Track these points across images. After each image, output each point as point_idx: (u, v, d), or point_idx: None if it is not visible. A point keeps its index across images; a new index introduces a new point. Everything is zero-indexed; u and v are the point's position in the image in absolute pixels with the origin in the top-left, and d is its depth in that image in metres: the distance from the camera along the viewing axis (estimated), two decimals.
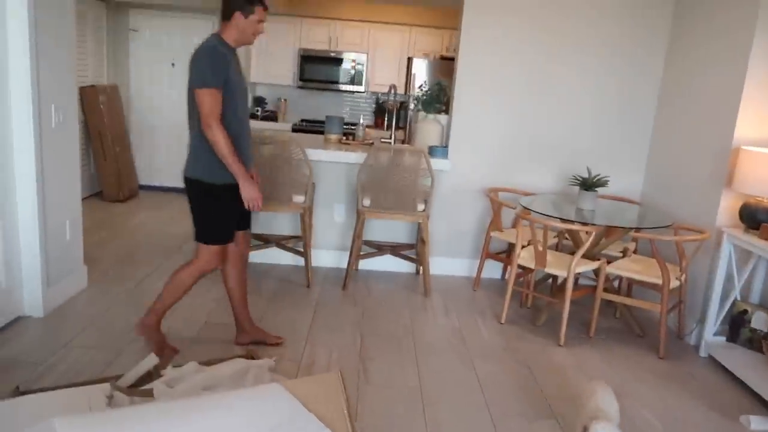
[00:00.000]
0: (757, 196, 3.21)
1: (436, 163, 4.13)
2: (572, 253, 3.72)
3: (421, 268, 4.42)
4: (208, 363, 2.40)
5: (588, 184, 3.73)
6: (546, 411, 2.73)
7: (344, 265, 4.41)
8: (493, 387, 2.91)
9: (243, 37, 2.72)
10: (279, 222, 4.45)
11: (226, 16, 2.68)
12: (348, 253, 4.34)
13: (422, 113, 4.50)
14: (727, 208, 3.47)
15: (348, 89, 6.72)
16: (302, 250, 4.11)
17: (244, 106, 2.80)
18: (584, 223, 3.42)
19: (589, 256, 3.63)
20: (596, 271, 3.63)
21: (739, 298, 3.40)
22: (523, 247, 3.71)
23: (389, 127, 6.30)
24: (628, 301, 3.58)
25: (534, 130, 4.38)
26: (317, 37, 6.59)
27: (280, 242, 4.28)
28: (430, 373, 3.00)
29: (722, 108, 3.53)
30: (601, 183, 3.71)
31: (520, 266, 3.71)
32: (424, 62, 6.39)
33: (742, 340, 3.38)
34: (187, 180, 2.74)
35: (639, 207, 4.17)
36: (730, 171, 3.41)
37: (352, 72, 6.61)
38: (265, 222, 4.43)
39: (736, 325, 3.41)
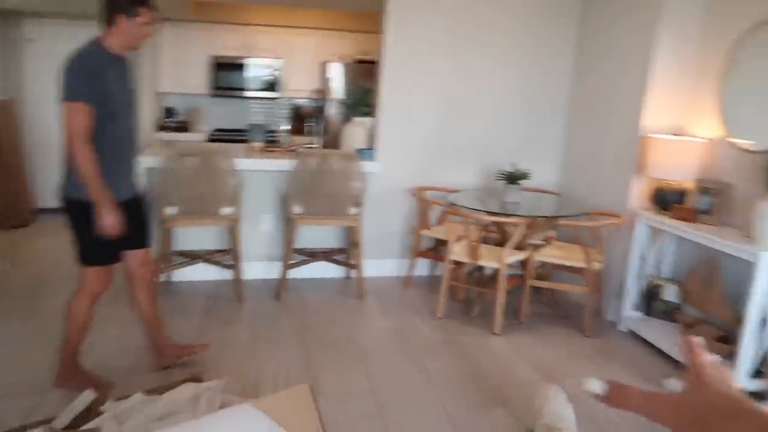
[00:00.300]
0: (666, 179, 3.49)
1: (364, 165, 4.15)
2: (498, 245, 3.89)
3: (353, 271, 4.43)
4: (155, 392, 2.28)
5: (512, 178, 3.89)
6: (495, 399, 2.83)
7: (274, 275, 4.33)
8: (441, 381, 2.98)
9: (128, 42, 2.53)
10: (201, 236, 4.29)
11: (109, 20, 2.47)
12: (277, 262, 4.28)
13: (345, 118, 4.51)
14: (638, 192, 3.75)
15: (263, 96, 6.59)
16: (230, 263, 4.00)
17: (129, 122, 2.61)
18: (514, 216, 3.57)
19: (517, 246, 3.79)
20: (522, 261, 3.80)
21: (652, 274, 3.68)
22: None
23: (308, 132, 6.27)
24: (556, 286, 3.78)
25: (457, 128, 4.51)
26: (229, 43, 6.41)
27: (206, 257, 4.13)
28: (380, 375, 3.02)
29: (630, 100, 3.81)
30: (525, 176, 3.89)
31: (453, 261, 3.81)
32: (339, 66, 6.39)
33: (657, 313, 3.67)
34: (61, 198, 2.54)
35: (557, 197, 4.41)
36: (639, 158, 3.69)
37: (268, 78, 6.49)
38: (187, 238, 4.25)
39: (650, 300, 3.69)
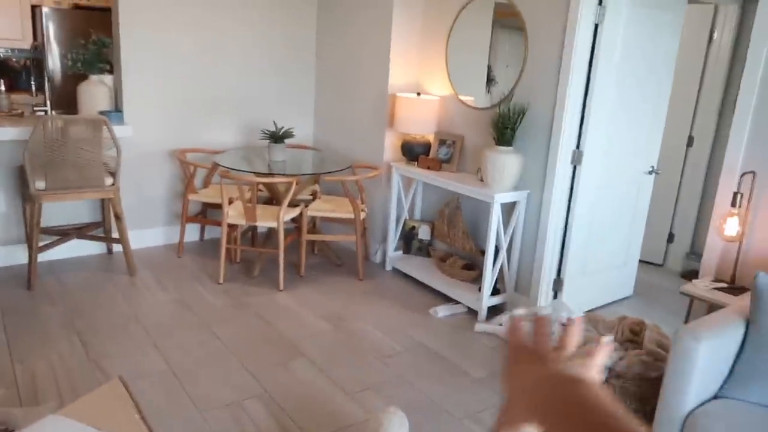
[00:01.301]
0: (411, 133, 3.97)
1: (115, 130, 3.76)
2: (267, 203, 3.99)
3: (117, 246, 4.07)
4: None
5: (276, 137, 3.98)
6: (294, 351, 3.01)
7: (16, 262, 3.75)
8: (238, 345, 3.03)
9: None
10: None
11: None
12: (16, 246, 3.72)
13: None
14: (390, 146, 4.20)
15: None
16: None
17: None
18: (286, 175, 3.69)
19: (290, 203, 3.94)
20: (295, 217, 3.98)
21: (408, 218, 4.22)
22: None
23: (28, 92, 5.33)
24: (329, 237, 4.06)
25: (210, 87, 4.36)
26: None
27: None
28: (174, 351, 2.92)
29: (377, 62, 4.16)
30: (289, 134, 4.00)
31: (229, 224, 3.79)
32: (54, 12, 5.48)
33: (414, 250, 4.24)
34: None
35: (318, 152, 4.65)
36: (389, 115, 4.11)
37: None
38: None
39: (408, 240, 4.24)
